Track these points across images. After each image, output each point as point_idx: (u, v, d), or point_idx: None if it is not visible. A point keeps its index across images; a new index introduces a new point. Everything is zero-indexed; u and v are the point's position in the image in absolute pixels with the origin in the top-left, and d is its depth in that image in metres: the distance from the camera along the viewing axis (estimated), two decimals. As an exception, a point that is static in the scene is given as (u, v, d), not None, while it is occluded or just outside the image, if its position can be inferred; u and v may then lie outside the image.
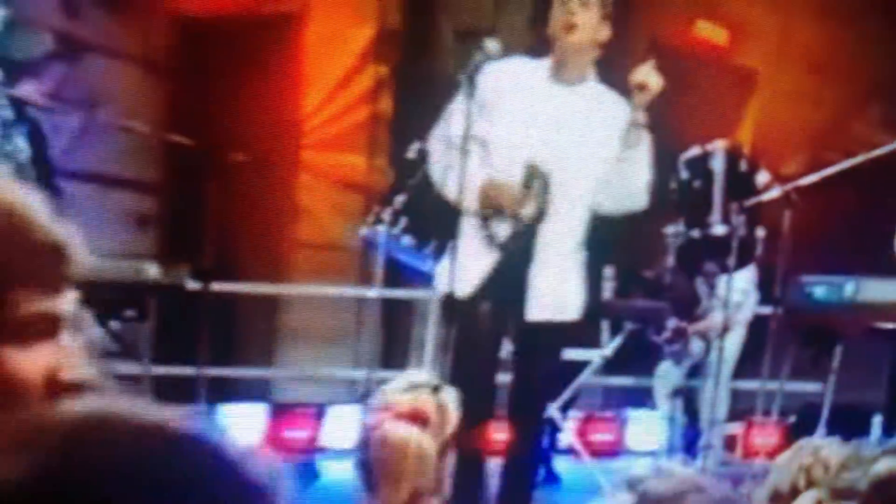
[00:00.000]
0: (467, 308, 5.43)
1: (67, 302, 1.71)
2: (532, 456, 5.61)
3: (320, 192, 9.37)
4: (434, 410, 3.19)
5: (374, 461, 3.12)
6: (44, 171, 5.27)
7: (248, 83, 9.45)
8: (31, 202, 1.71)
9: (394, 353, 8.64)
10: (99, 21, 9.08)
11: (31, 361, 1.64)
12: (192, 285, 5.79)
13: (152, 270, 4.87)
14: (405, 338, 8.61)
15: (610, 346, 6.94)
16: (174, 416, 1.23)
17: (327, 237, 9.08)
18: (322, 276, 9.03)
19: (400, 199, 6.08)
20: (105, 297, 4.94)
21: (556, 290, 5.48)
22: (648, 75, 5.40)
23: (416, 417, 3.16)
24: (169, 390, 8.14)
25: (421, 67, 9.42)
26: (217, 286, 6.56)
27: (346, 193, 9.30)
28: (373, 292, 6.42)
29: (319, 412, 7.78)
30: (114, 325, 5.08)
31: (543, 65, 5.57)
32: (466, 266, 5.39)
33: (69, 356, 1.68)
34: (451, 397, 3.31)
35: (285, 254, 9.44)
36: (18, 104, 5.36)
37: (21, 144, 5.24)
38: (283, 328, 9.29)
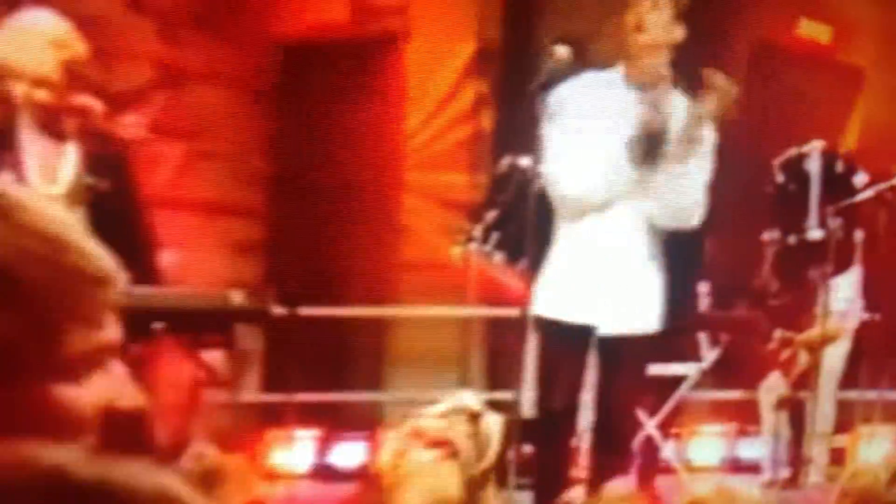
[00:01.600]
0: (551, 326, 5.40)
1: (113, 330, 1.71)
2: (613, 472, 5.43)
3: (423, 211, 9.26)
4: (467, 440, 3.01)
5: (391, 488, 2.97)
6: (128, 203, 5.20)
7: (351, 105, 9.41)
8: (78, 230, 1.71)
9: (501, 373, 8.51)
10: (200, 49, 9.06)
11: (86, 394, 1.64)
12: (278, 311, 5.70)
13: (237, 297, 4.77)
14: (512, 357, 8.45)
15: (707, 359, 6.72)
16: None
17: (431, 257, 8.95)
18: (428, 296, 8.91)
19: (491, 215, 5.93)
20: (191, 326, 4.85)
21: (631, 300, 5.36)
22: (718, 79, 5.28)
23: (443, 445, 2.99)
24: (271, 415, 8.14)
25: (520, 81, 9.28)
26: (304, 311, 6.46)
27: (449, 212, 9.18)
28: (466, 311, 6.28)
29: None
30: (206, 353, 4.98)
31: (615, 72, 5.51)
32: (554, 284, 5.34)
33: (120, 384, 1.68)
34: (494, 426, 3.13)
35: (390, 275, 9.34)
36: (101, 136, 5.30)
37: (105, 176, 5.17)
38: (391, 351, 9.18)
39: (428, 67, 9.57)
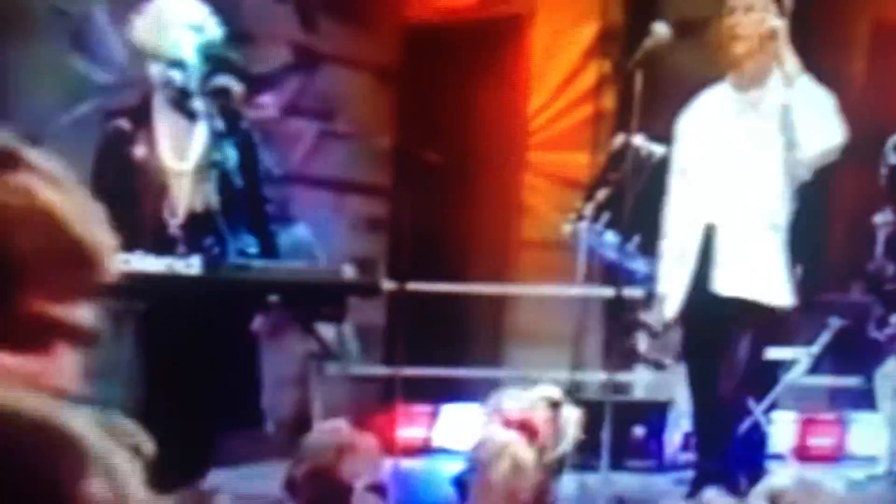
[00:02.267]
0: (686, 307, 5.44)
1: (83, 313, 1.61)
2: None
3: (545, 190, 9.23)
4: (546, 425, 3.00)
5: (475, 464, 2.96)
6: (251, 180, 5.26)
7: (475, 86, 9.41)
8: (75, 206, 1.65)
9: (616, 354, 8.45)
10: (334, 33, 9.12)
11: (20, 363, 1.55)
12: (388, 286, 5.72)
13: (349, 271, 4.79)
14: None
15: (817, 345, 6.55)
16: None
17: (552, 236, 8.93)
18: (546, 275, 8.87)
19: (602, 194, 5.88)
20: (304, 299, 4.88)
21: (755, 268, 5.26)
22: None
23: (523, 427, 2.98)
24: (391, 390, 8.17)
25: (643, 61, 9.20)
26: (413, 286, 6.47)
27: (570, 192, 9.14)
28: (574, 290, 6.23)
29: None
30: (322, 327, 5.00)
31: (723, 85, 5.71)
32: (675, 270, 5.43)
33: (60, 366, 1.58)
34: (572, 416, 3.12)
35: (511, 253, 9.33)
36: (231, 116, 5.37)
37: (230, 153, 5.24)
38: (509, 329, 9.17)
39: (551, 49, 9.54)
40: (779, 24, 5.42)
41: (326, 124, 8.99)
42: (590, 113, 9.41)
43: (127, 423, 2.83)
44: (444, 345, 8.80)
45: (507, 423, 3.03)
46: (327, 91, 9.07)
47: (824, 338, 6.51)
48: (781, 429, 6.83)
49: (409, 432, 7.97)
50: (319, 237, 8.76)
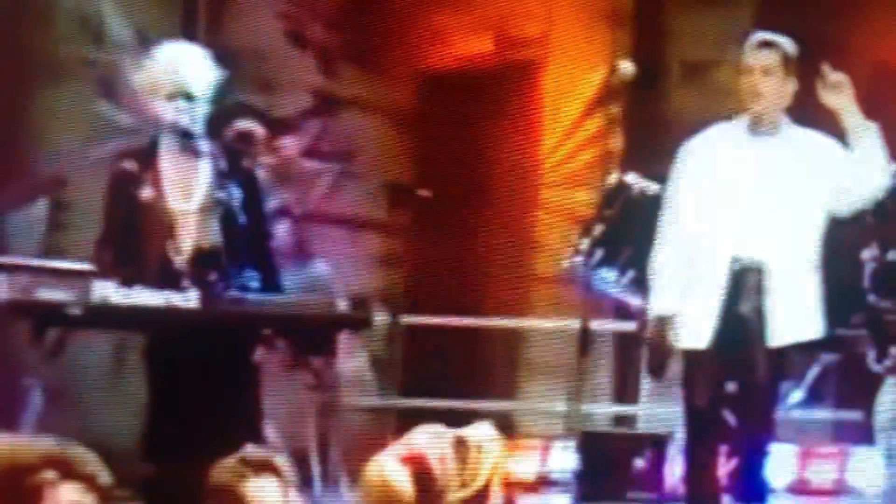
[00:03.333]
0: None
1: None
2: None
3: (556, 227, 9.13)
4: (443, 463, 2.81)
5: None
6: (255, 217, 5.17)
7: (490, 127, 9.37)
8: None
9: (628, 386, 8.31)
10: (353, 79, 9.10)
11: None
12: (381, 319, 5.60)
13: (342, 305, 4.69)
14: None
15: (808, 379, 6.37)
16: None
17: (561, 271, 8.81)
18: (558, 309, 8.75)
19: (598, 230, 5.76)
20: (298, 332, 4.79)
21: (794, 312, 5.34)
22: (836, 74, 5.40)
23: (413, 463, 2.81)
24: (408, 421, 8.04)
25: (650, 103, 9.12)
26: (410, 320, 6.35)
27: (581, 228, 9.04)
28: (568, 324, 6.09)
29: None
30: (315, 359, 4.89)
31: (741, 122, 5.60)
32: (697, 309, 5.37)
33: None
34: (487, 457, 2.92)
35: (523, 288, 9.22)
36: (234, 155, 5.30)
37: (234, 192, 5.15)
38: (523, 361, 9.05)
39: (563, 93, 9.51)
40: (794, 86, 5.47)
41: (345, 165, 8.94)
42: (599, 153, 9.32)
43: (85, 453, 2.74)
44: (457, 377, 8.69)
45: (402, 460, 2.85)
46: (346, 134, 9.04)
47: (814, 372, 6.33)
48: (780, 461, 6.63)
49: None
50: (337, 273, 8.72)
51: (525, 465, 7.41)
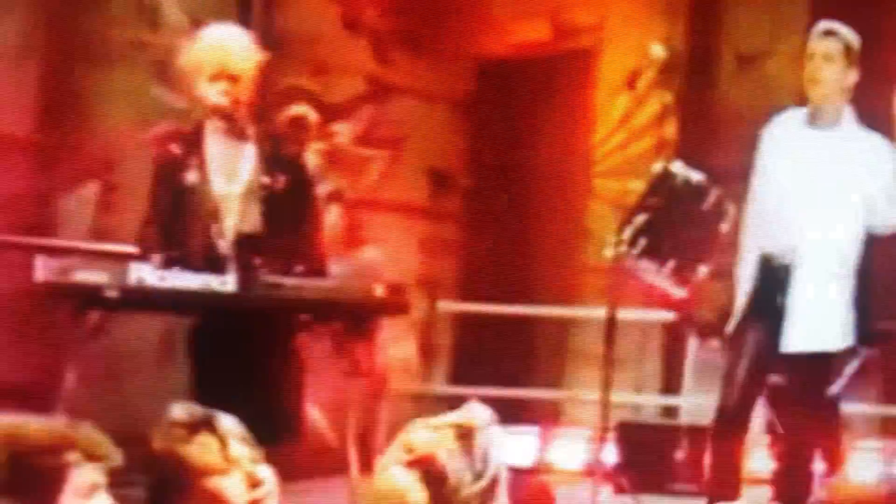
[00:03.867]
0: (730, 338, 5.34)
1: None
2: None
3: (607, 217, 9.01)
4: (454, 457, 2.69)
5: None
6: (300, 202, 5.15)
7: (544, 116, 9.28)
8: None
9: (675, 377, 8.20)
10: (407, 65, 9.02)
11: None
12: (430, 306, 5.53)
13: (379, 290, 4.62)
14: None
15: (847, 371, 6.21)
16: None
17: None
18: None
19: (640, 219, 5.66)
20: (336, 317, 4.73)
21: (815, 318, 5.20)
22: None
23: (424, 464, 2.67)
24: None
25: (703, 92, 9.01)
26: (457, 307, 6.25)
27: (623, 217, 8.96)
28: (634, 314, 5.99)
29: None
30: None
31: (803, 111, 5.59)
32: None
33: None
34: (494, 442, 2.79)
35: (575, 277, 9.13)
36: (279, 140, 5.27)
37: (279, 177, 5.13)
38: (572, 350, 8.96)
39: (617, 80, 9.37)
40: (855, 77, 5.46)
41: (397, 152, 8.88)
42: (652, 142, 9.20)
43: (97, 434, 2.71)
44: (505, 365, 8.62)
45: (409, 464, 2.72)
46: (399, 120, 8.97)
47: (853, 365, 6.17)
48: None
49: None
50: (389, 259, 8.66)
51: (570, 455, 7.34)
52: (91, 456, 2.68)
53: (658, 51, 5.25)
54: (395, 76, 9.01)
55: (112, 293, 4.62)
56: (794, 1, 8.47)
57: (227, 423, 2.92)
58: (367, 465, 7.72)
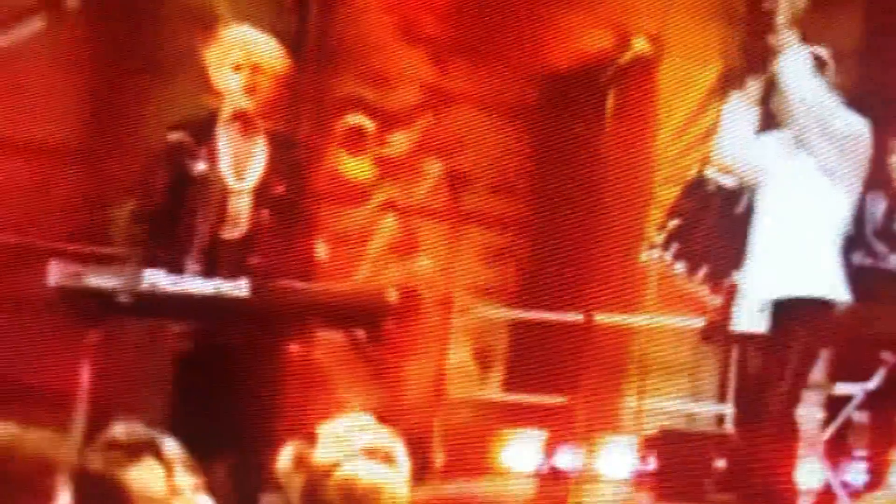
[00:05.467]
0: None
1: None
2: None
3: (668, 225, 8.78)
4: (399, 453, 2.51)
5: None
6: (299, 203, 4.93)
7: (605, 124, 9.06)
8: None
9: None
10: (464, 73, 8.86)
11: None
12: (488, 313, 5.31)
13: (391, 294, 4.43)
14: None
15: (874, 379, 5.90)
16: None
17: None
18: (669, 306, 8.39)
19: (674, 224, 5.42)
20: (345, 321, 4.55)
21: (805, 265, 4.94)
22: None
23: (381, 455, 2.48)
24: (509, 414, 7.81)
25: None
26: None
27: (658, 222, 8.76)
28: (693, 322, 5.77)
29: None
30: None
31: None
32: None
33: None
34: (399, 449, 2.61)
35: (635, 284, 8.89)
36: (288, 140, 5.11)
37: (287, 176, 4.95)
38: (633, 358, 8.73)
39: (677, 90, 9.21)
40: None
41: (454, 160, 8.70)
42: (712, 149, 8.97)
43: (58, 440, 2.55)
44: (562, 372, 8.39)
45: (372, 454, 2.53)
46: (456, 129, 8.81)
47: (880, 373, 5.85)
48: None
49: (517, 456, 7.54)
50: (443, 267, 8.48)
51: (616, 464, 7.11)
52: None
53: (640, 43, 5.03)
54: (452, 85, 8.85)
55: (124, 298, 4.48)
56: (849, 4, 8.19)
57: (172, 446, 2.65)
58: (421, 471, 7.58)
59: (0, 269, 6.90)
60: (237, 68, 5.07)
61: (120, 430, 2.63)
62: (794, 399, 4.97)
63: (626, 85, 9.20)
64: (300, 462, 2.58)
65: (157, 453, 2.60)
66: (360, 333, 4.69)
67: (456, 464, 7.42)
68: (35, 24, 7.44)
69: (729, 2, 9.03)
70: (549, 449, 7.46)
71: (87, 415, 4.44)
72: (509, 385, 8.38)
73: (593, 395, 8.42)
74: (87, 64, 7.55)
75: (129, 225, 4.92)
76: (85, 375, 4.48)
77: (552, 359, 8.33)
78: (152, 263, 4.67)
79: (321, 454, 2.57)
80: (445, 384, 7.82)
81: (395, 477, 2.53)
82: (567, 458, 7.39)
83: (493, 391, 8.22)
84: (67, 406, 4.49)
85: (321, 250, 5.12)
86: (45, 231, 7.06)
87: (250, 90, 5.04)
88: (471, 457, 7.56)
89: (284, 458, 2.61)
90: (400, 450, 2.59)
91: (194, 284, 4.56)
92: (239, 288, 4.56)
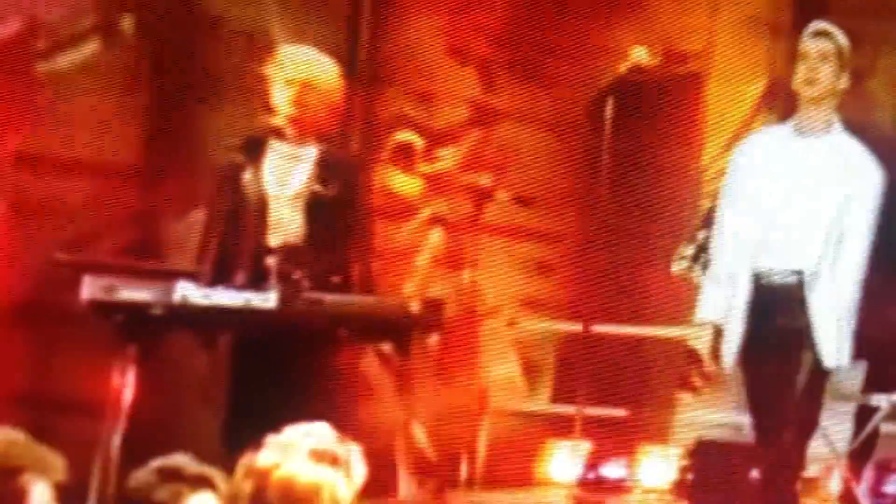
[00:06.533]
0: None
1: None
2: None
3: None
4: (345, 457, 2.48)
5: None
6: (349, 214, 4.94)
7: (652, 140, 9.02)
8: None
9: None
10: (512, 91, 8.86)
11: None
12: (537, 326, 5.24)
13: (415, 306, 4.42)
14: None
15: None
16: None
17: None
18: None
19: (702, 235, 5.35)
20: (371, 332, 4.54)
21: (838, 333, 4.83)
22: None
23: (327, 458, 2.45)
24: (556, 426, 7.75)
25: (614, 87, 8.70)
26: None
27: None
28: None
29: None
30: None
31: (788, 124, 5.22)
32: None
33: None
34: (356, 453, 2.57)
35: (683, 297, 8.78)
36: (334, 154, 5.13)
37: (331, 187, 4.98)
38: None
39: (724, 103, 9.13)
40: (846, 83, 5.19)
41: (502, 175, 8.68)
42: (758, 163, 8.87)
43: (44, 451, 2.55)
44: (612, 385, 8.33)
45: (317, 456, 2.51)
46: (504, 145, 8.79)
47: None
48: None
49: (563, 467, 7.47)
50: (491, 281, 8.45)
51: (658, 474, 7.03)
52: (41, 473, 2.53)
53: (640, 53, 4.97)
54: (501, 102, 8.85)
55: (157, 311, 4.50)
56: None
57: (223, 481, 2.67)
58: (470, 480, 7.52)
59: (63, 285, 6.95)
60: (289, 83, 5.14)
61: (182, 461, 2.65)
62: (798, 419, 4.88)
63: (673, 102, 9.19)
64: (249, 470, 2.57)
65: (214, 487, 2.63)
66: (387, 346, 4.67)
67: (499, 474, 7.38)
68: (92, 47, 7.52)
69: (776, 16, 8.95)
70: (593, 460, 7.39)
71: (124, 430, 4.46)
72: (557, 397, 8.32)
73: (641, 406, 8.38)
74: (142, 85, 7.61)
75: (199, 253, 4.99)
76: (124, 389, 4.49)
77: (601, 371, 8.28)
78: (202, 277, 4.71)
79: (263, 458, 2.57)
80: (489, 395, 7.79)
81: (338, 478, 2.51)
82: (610, 469, 7.33)
83: (540, 402, 8.17)
84: (107, 420, 4.51)
85: (371, 262, 5.12)
86: (102, 248, 7.13)
87: (300, 105, 5.11)
88: (514, 467, 7.51)
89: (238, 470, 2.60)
90: (354, 455, 2.57)
91: (224, 296, 4.57)
92: (267, 300, 4.56)
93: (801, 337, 4.81)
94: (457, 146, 8.67)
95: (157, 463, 2.62)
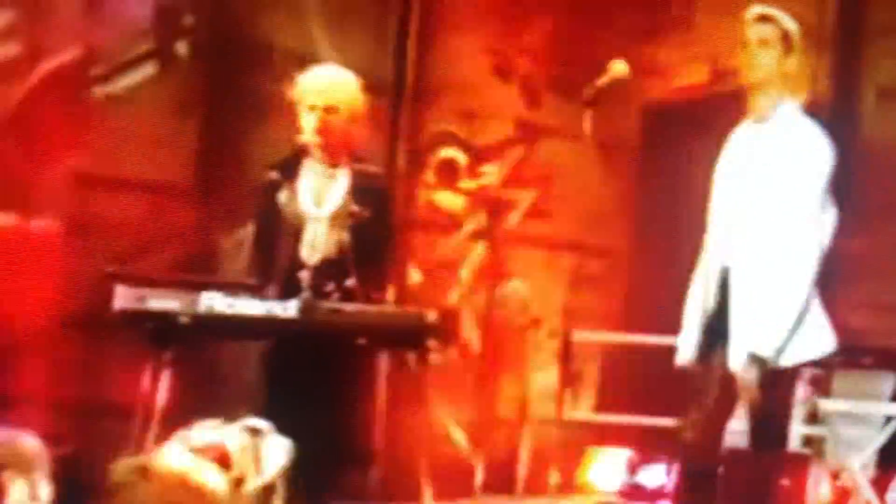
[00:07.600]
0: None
1: None
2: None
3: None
4: (242, 453, 2.52)
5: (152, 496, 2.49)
6: (384, 232, 5.02)
7: (697, 155, 8.95)
8: None
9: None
10: (555, 107, 8.86)
11: None
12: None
13: (431, 316, 4.46)
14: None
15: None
16: None
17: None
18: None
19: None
20: (389, 341, 4.58)
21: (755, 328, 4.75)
22: None
23: (213, 454, 2.50)
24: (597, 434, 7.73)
25: (845, 127, 8.57)
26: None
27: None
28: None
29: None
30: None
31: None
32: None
33: None
34: (276, 449, 2.61)
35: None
36: (368, 174, 5.19)
37: (367, 205, 5.04)
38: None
39: (767, 119, 9.02)
40: (798, 66, 5.08)
41: (544, 191, 8.71)
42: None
43: (27, 449, 2.63)
44: (654, 395, 8.30)
45: (196, 451, 2.55)
46: (548, 161, 8.81)
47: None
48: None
49: (603, 474, 7.47)
50: (535, 292, 8.47)
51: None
52: (22, 471, 2.60)
53: (619, 66, 4.95)
54: (544, 119, 8.88)
55: (184, 320, 4.59)
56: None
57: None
58: (511, 488, 7.53)
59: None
60: (311, 109, 5.24)
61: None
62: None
63: (720, 117, 9.16)
64: (143, 470, 2.63)
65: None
66: (410, 356, 4.71)
67: (541, 481, 7.39)
68: (148, 70, 7.65)
69: (818, 31, 8.87)
70: (633, 467, 7.39)
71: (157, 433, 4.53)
72: (600, 406, 8.31)
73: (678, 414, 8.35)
74: (195, 107, 7.73)
75: (252, 258, 5.10)
76: (158, 395, 4.56)
77: (643, 381, 8.25)
78: (262, 290, 4.81)
79: (152, 456, 2.64)
80: (530, 404, 7.81)
81: (211, 470, 2.56)
82: (649, 476, 7.31)
83: (582, 412, 8.16)
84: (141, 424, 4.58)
85: (415, 276, 5.20)
86: (155, 262, 7.24)
87: (324, 132, 5.17)
88: (556, 475, 7.51)
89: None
90: (268, 450, 2.62)
91: (247, 306, 4.65)
92: (287, 309, 4.64)
93: (727, 331, 4.78)
94: (500, 162, 8.71)
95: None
